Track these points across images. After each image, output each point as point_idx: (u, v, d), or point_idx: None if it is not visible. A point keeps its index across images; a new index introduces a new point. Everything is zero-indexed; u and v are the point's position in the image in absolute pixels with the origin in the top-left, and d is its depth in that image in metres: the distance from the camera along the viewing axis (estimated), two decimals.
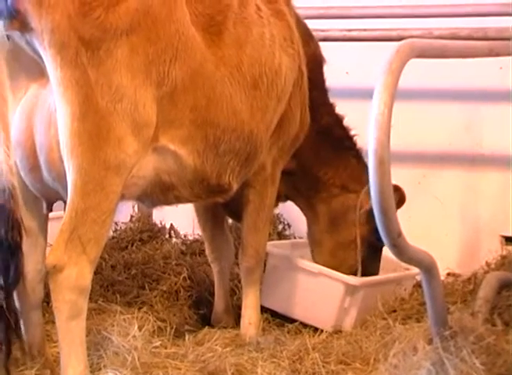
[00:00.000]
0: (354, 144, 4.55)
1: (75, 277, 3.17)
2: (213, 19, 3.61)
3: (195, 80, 3.46)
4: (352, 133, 4.55)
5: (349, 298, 4.30)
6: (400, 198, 4.17)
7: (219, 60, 3.60)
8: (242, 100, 3.70)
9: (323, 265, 4.42)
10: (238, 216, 4.29)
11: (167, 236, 5.59)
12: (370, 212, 4.29)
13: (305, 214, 4.61)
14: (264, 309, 4.38)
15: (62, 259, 3.16)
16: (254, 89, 3.77)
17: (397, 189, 4.08)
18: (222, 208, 4.34)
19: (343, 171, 4.50)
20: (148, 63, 3.27)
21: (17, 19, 3.12)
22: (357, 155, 4.51)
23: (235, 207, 4.21)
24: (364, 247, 4.45)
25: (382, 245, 4.36)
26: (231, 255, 4.51)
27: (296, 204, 4.64)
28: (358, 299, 4.32)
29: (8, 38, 3.21)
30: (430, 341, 3.32)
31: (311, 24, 4.51)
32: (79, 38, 3.12)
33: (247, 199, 4.11)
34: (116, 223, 5.40)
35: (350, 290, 4.30)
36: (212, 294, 4.57)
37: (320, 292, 4.32)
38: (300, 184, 4.53)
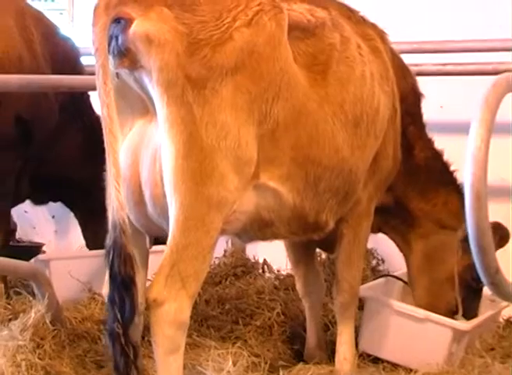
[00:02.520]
0: (455, 179, 4.49)
1: (174, 312, 3.19)
2: (316, 58, 3.63)
3: (297, 118, 3.48)
4: (452, 168, 4.49)
5: (456, 344, 4.20)
6: (503, 235, 4.08)
7: (322, 99, 3.61)
8: (343, 138, 3.71)
9: (421, 303, 4.36)
10: (331, 249, 4.28)
11: (260, 271, 5.62)
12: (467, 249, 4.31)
13: (401, 250, 4.57)
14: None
15: (162, 294, 3.19)
16: (355, 127, 3.78)
17: (500, 227, 4.00)
18: (315, 241, 4.34)
19: (441, 206, 4.44)
20: (251, 101, 3.30)
21: (127, 57, 3.20)
22: (458, 190, 4.41)
23: (328, 240, 4.20)
24: (462, 286, 4.38)
25: (480, 286, 4.30)
26: (321, 290, 4.50)
27: (389, 237, 4.60)
28: (464, 343, 4.23)
29: (117, 76, 3.28)
30: None
31: (404, 59, 4.50)
32: (185, 77, 3.17)
33: (341, 233, 4.10)
34: (212, 257, 5.43)
35: (459, 335, 4.20)
36: (306, 330, 4.56)
37: (426, 338, 4.22)
38: (394, 219, 4.49)
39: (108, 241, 3.17)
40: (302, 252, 4.48)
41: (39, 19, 5.25)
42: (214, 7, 3.28)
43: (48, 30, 5.25)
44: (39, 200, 5.65)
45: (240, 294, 5.09)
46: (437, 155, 4.49)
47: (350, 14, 4.05)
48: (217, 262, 5.58)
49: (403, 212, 4.46)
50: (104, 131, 3.18)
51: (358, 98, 3.78)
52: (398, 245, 4.57)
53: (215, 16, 3.25)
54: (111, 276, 3.18)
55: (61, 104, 5.15)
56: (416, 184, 4.43)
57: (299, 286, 4.50)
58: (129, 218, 3.37)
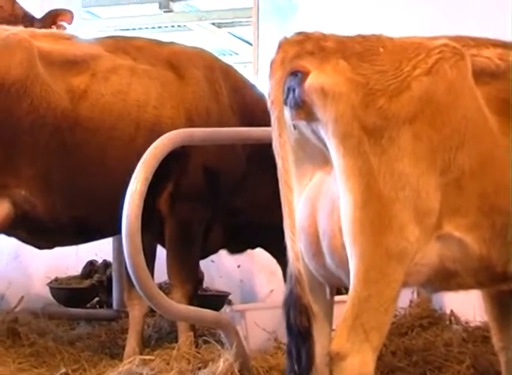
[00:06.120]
0: None
1: (358, 365, 3.15)
2: (507, 103, 3.52)
3: (484, 165, 3.38)
4: None
5: None
6: None
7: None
8: None
9: None
10: None
11: (448, 322, 5.48)
12: None
13: None
14: None
15: (345, 347, 3.15)
16: None
17: None
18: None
19: None
20: (432, 150, 3.24)
21: (303, 110, 3.24)
22: None
23: None
24: None
25: None
26: None
27: None
28: None
29: (294, 127, 3.32)
30: None
31: None
32: (361, 128, 3.17)
33: None
34: (395, 309, 5.35)
35: None
36: None
37: None
38: None
39: (285, 291, 3.19)
40: (499, 304, 4.30)
41: (227, 72, 5.37)
42: (394, 56, 3.27)
43: (236, 83, 5.36)
44: (236, 249, 5.71)
45: (428, 346, 4.98)
46: None
47: None
48: (402, 312, 5.48)
49: None
50: (279, 183, 3.23)
51: None
52: None
53: (395, 66, 3.24)
54: (287, 327, 3.19)
55: (249, 153, 5.21)
56: None
57: (495, 339, 4.29)
58: (309, 268, 3.40)
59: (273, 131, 3.29)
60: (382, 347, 4.64)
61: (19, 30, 4.88)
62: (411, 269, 3.29)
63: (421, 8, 6.16)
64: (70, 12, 6.43)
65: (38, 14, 6.41)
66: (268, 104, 3.33)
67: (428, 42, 3.38)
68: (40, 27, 6.12)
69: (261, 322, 4.93)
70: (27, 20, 6.21)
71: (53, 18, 6.33)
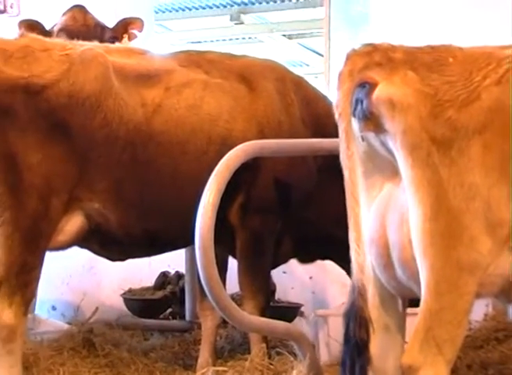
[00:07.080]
0: None
1: None
2: None
3: None
4: None
5: None
6: None
7: None
8: None
9: None
10: None
11: None
12: None
13: None
14: None
15: (417, 360, 3.13)
16: None
17: None
18: None
19: None
20: (503, 160, 3.20)
21: (371, 121, 3.24)
22: None
23: None
24: None
25: None
26: None
27: None
28: None
29: (362, 139, 3.32)
30: None
31: None
32: (430, 139, 3.15)
33: None
34: (470, 322, 5.28)
35: None
36: None
37: None
38: None
39: (347, 303, 3.18)
40: None
41: (299, 83, 5.36)
42: (464, 66, 3.24)
43: (308, 95, 5.34)
44: (306, 259, 5.70)
45: (504, 359, 4.91)
46: None
47: None
48: (477, 325, 5.41)
49: None
50: (346, 194, 3.22)
51: None
52: None
53: (465, 76, 3.21)
54: (345, 337, 3.20)
55: (320, 165, 5.19)
56: None
57: None
58: (380, 280, 3.38)
59: (340, 143, 3.30)
60: (457, 360, 4.60)
61: (93, 45, 4.95)
62: (485, 279, 3.24)
63: (493, 17, 6.09)
64: (141, 20, 6.55)
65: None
66: (336, 116, 3.33)
67: (498, 52, 3.34)
68: (112, 36, 6.26)
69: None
70: (98, 30, 6.34)
71: (124, 26, 6.46)
